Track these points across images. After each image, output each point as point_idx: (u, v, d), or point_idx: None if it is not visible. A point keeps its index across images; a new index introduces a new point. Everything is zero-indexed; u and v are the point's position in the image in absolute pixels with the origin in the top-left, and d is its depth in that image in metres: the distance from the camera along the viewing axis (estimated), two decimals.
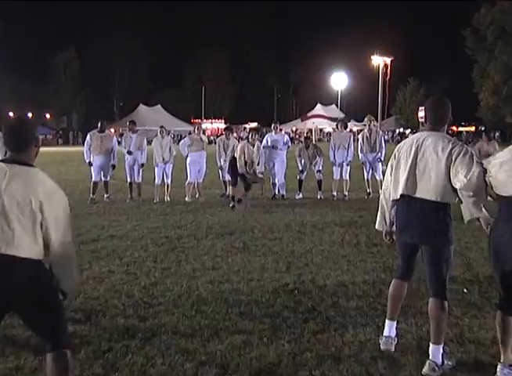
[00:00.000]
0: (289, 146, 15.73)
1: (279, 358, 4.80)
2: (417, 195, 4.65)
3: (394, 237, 4.98)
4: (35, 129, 3.82)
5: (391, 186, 4.92)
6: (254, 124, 65.01)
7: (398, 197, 4.78)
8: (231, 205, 13.16)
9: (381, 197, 5.13)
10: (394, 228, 4.97)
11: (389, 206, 4.97)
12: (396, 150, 4.96)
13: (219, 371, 4.56)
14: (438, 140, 4.61)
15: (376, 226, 5.19)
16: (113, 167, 14.66)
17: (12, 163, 3.55)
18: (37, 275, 3.56)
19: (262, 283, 6.89)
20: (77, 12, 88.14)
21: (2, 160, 3.60)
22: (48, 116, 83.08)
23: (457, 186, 4.46)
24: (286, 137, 16.07)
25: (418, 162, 4.65)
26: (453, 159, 4.46)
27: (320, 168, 15.17)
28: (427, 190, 4.60)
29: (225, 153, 14.98)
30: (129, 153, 14.71)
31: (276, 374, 4.56)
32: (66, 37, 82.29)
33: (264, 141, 15.41)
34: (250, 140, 13.95)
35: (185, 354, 4.87)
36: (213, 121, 79.71)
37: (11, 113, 66.19)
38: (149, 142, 15.92)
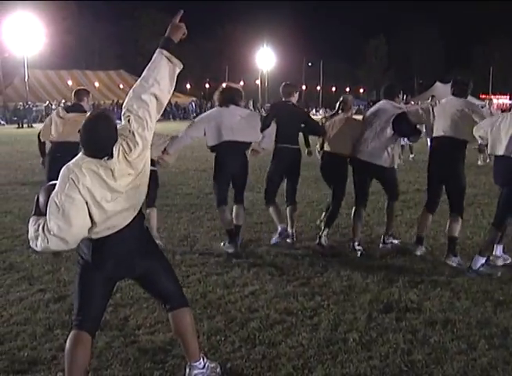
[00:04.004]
0: None
1: None
2: None
3: None
4: (113, 131, 2.87)
5: None
6: None
7: None
8: None
9: None
10: None
11: None
12: None
13: None
14: None
15: None
16: None
17: None
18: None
19: None
20: (382, 8, 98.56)
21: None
22: (361, 90, 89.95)
23: None
24: None
25: None
26: None
27: None
28: None
29: None
30: None
31: None
32: (376, 26, 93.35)
33: None
34: None
35: (485, 293, 4.89)
36: (498, 96, 75.36)
37: (333, 88, 76.73)
38: None
